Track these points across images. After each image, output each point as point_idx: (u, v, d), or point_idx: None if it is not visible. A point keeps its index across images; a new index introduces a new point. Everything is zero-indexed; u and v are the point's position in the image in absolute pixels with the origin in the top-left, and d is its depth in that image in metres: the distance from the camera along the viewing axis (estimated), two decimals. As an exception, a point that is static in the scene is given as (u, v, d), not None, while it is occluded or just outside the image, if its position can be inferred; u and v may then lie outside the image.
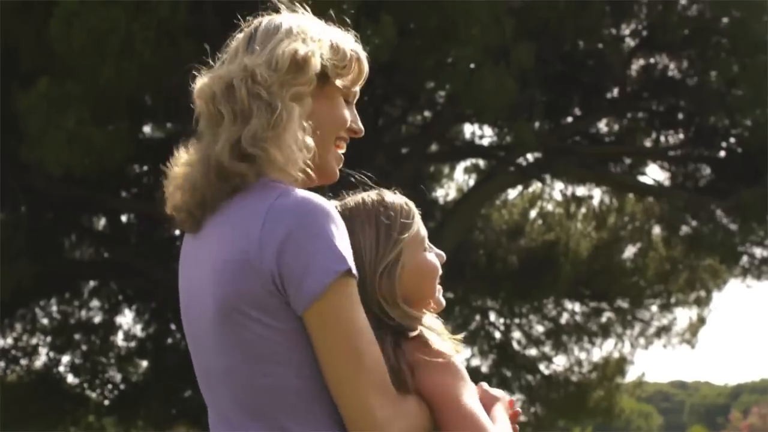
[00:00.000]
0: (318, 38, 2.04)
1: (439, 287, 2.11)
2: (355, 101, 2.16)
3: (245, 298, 1.87)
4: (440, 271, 2.10)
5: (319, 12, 2.24)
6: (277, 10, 2.10)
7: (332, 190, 2.14)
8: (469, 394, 1.95)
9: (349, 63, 2.09)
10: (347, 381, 1.85)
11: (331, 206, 1.90)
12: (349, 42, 2.11)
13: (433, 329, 2.03)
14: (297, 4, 2.13)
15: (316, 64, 2.00)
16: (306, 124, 1.98)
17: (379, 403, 1.85)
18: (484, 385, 2.12)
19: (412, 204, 2.11)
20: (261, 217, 1.87)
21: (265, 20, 2.08)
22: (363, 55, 2.12)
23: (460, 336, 2.09)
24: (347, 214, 2.05)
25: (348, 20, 2.27)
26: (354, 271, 1.86)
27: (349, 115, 2.11)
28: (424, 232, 2.10)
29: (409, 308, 2.01)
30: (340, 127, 2.09)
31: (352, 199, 2.12)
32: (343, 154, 2.14)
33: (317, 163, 2.00)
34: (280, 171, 1.94)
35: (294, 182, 1.94)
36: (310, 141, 1.97)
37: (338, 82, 2.08)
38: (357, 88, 2.14)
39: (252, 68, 1.97)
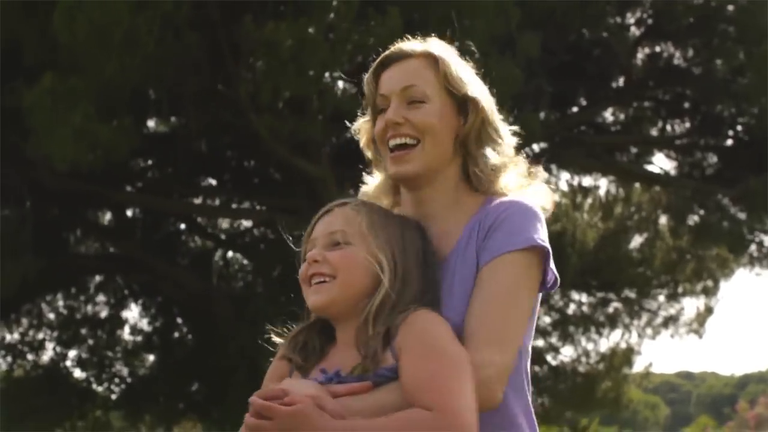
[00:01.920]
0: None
1: (309, 288, 2.11)
2: (391, 97, 2.27)
3: None
4: (302, 276, 2.12)
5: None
6: None
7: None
8: None
9: (367, 94, 2.33)
10: None
11: None
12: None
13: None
14: None
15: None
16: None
17: None
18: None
19: (320, 211, 2.19)
20: None
21: None
22: (372, 68, 2.33)
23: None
24: None
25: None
26: None
27: (382, 121, 2.28)
28: (315, 234, 2.14)
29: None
30: (378, 137, 2.28)
31: None
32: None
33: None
34: None
35: None
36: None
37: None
38: (383, 92, 2.28)
39: None
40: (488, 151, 2.27)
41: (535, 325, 2.28)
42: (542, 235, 2.16)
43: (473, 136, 2.26)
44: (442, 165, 2.25)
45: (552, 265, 2.17)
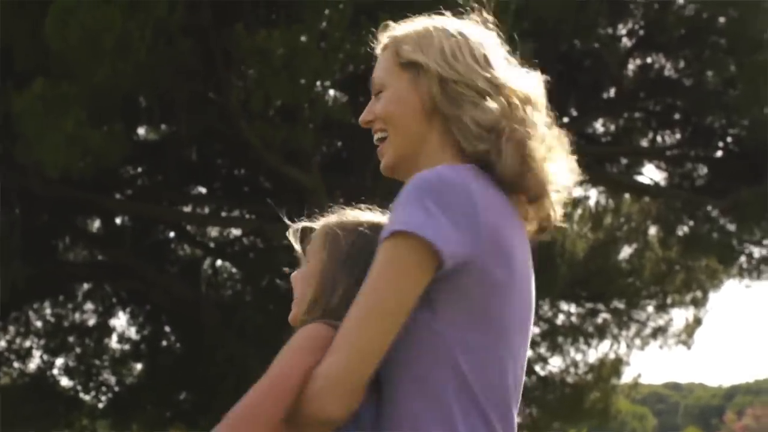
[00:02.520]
0: None
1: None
2: (374, 90, 2.15)
3: None
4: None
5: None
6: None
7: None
8: None
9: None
10: None
11: None
12: None
13: None
14: None
15: None
16: None
17: None
18: None
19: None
20: None
21: None
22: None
23: None
24: None
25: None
26: None
27: None
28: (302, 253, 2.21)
29: None
30: None
31: None
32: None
33: None
34: None
35: None
36: None
37: None
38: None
39: None
40: (468, 108, 1.99)
41: (468, 311, 1.84)
42: (414, 215, 1.80)
43: (439, 98, 2.00)
44: (416, 145, 2.04)
45: (436, 239, 1.79)
